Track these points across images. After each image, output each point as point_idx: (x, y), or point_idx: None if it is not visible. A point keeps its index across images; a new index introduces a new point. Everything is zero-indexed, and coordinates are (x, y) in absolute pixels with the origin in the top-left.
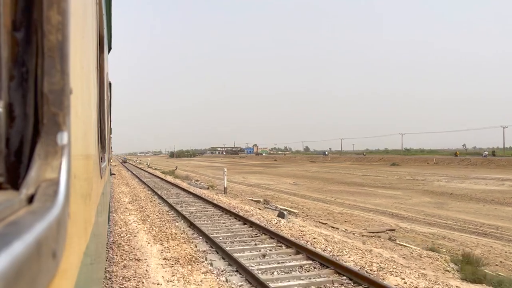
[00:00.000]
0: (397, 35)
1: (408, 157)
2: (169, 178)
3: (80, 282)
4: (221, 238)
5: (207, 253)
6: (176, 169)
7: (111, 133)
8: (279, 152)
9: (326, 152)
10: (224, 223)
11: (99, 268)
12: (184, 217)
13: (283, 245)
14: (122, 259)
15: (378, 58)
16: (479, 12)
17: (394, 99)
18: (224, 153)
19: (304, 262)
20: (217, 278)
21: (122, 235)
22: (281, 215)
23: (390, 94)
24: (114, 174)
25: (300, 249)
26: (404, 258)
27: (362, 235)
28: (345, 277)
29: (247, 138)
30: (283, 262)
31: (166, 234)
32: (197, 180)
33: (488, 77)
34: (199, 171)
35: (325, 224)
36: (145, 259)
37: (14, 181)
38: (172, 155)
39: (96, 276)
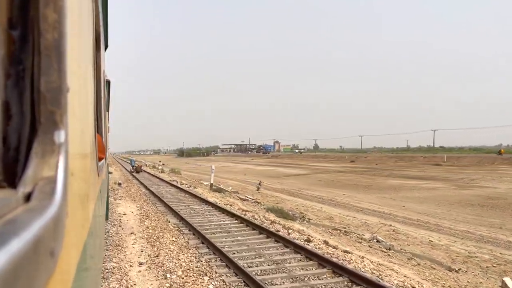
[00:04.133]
0: (396, 35)
1: None
2: None
3: (78, 281)
4: None
5: None
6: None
7: (109, 131)
8: (296, 150)
9: None
10: None
11: (97, 266)
12: None
13: None
14: None
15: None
16: (479, 13)
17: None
18: (239, 151)
19: None
20: None
21: None
22: None
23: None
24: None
25: None
26: None
27: None
28: None
29: (248, 136)
30: None
31: None
32: None
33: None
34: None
35: None
36: None
37: (12, 179)
38: (181, 153)
39: (94, 274)
